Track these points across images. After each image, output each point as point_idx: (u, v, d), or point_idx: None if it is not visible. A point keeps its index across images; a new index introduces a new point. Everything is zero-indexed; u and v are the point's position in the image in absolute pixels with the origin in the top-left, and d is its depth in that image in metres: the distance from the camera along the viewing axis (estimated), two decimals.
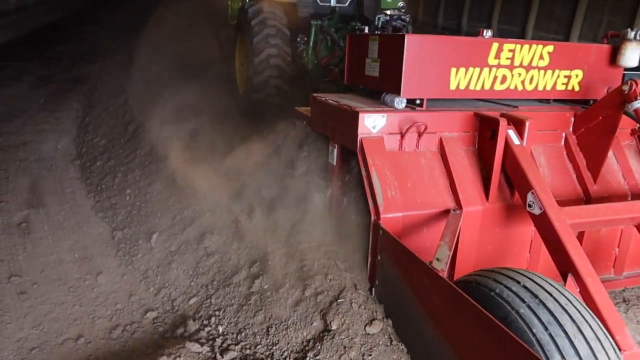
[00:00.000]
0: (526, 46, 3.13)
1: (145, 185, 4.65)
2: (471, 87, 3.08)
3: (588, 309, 1.95)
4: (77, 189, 5.23)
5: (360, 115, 2.85)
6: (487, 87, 3.13)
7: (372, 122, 2.88)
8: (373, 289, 2.80)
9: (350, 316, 2.62)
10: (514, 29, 12.24)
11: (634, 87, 2.89)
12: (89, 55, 8.52)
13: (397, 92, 2.97)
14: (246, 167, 4.10)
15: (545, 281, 1.98)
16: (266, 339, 2.76)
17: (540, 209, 2.67)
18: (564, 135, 3.35)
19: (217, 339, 2.89)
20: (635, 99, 2.89)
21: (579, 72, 3.36)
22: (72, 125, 6.98)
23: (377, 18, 5.29)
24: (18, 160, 5.83)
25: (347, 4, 7.06)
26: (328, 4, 6.97)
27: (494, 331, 1.72)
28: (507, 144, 2.90)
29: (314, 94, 3.57)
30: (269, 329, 2.79)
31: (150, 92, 6.68)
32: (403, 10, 5.70)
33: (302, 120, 3.81)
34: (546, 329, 1.75)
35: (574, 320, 1.78)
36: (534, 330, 1.75)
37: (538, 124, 3.25)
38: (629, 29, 3.24)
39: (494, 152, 2.91)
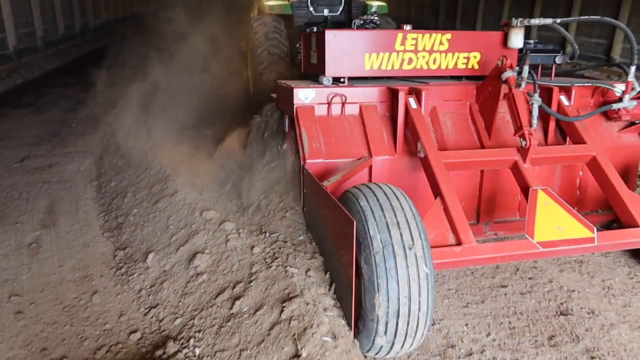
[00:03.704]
0: (427, 35, 4.07)
1: (151, 205, 4.70)
2: (383, 67, 4.06)
3: (411, 205, 2.86)
4: (90, 209, 5.26)
5: (295, 90, 3.87)
6: (396, 67, 4.09)
7: (304, 95, 3.89)
8: (304, 211, 3.81)
9: (323, 345, 2.60)
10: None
11: (504, 62, 3.79)
12: (126, 79, 9.06)
13: (324, 72, 3.98)
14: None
15: (386, 185, 2.94)
16: None
17: (424, 153, 3.60)
18: (468, 104, 4.24)
19: None
20: (505, 70, 3.79)
21: (477, 54, 4.25)
22: (98, 147, 7.18)
23: (353, 22, 6.34)
24: (41, 182, 5.95)
25: (338, 13, 8.14)
26: (321, 14, 8.08)
27: (336, 208, 2.72)
28: (407, 108, 3.85)
29: (278, 81, 4.62)
30: (242, 353, 2.81)
31: (171, 110, 7.18)
32: (375, 15, 6.73)
33: (273, 102, 4.88)
34: (371, 208, 2.72)
35: (388, 199, 2.75)
36: (360, 202, 2.73)
37: (447, 95, 4.18)
38: (513, 18, 4.13)
39: (397, 114, 3.87)
